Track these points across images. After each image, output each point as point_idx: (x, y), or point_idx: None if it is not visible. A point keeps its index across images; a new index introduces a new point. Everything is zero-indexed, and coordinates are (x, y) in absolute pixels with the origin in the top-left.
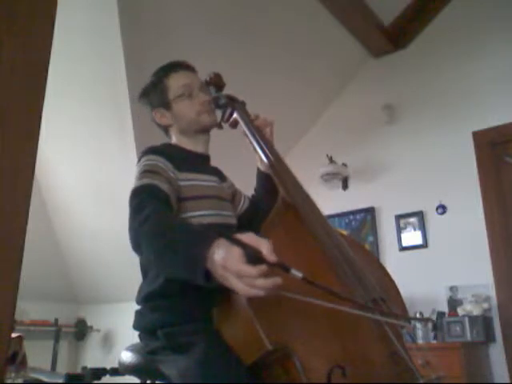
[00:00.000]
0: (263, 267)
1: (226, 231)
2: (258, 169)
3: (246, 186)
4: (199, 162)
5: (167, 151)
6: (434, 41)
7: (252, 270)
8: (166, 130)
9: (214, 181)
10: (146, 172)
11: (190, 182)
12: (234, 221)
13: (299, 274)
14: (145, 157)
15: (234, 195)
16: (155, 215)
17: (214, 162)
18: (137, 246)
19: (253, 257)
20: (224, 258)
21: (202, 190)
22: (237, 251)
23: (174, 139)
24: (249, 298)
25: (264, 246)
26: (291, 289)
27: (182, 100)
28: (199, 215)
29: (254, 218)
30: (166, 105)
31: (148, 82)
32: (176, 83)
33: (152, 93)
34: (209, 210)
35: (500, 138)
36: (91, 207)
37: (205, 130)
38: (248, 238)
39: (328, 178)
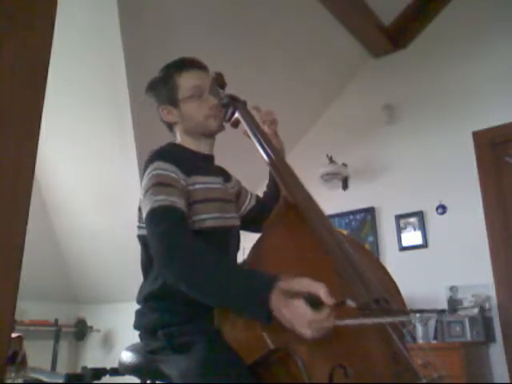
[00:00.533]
0: (328, 311)
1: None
2: None
3: (248, 185)
4: (204, 163)
5: (174, 154)
6: (433, 41)
7: (320, 317)
8: (170, 127)
9: (219, 182)
10: (159, 185)
11: (196, 185)
12: (236, 222)
13: (353, 304)
14: (154, 164)
15: (239, 193)
16: (193, 250)
17: (217, 161)
18: (178, 280)
19: (314, 303)
20: (291, 316)
21: (206, 194)
22: (300, 305)
23: (179, 138)
24: None
25: (321, 290)
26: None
27: (192, 101)
28: (202, 219)
29: (259, 216)
30: (174, 103)
31: (158, 75)
32: (187, 83)
33: (160, 88)
34: (212, 214)
35: (500, 138)
36: (91, 207)
37: (210, 135)
38: (303, 284)
39: (328, 178)
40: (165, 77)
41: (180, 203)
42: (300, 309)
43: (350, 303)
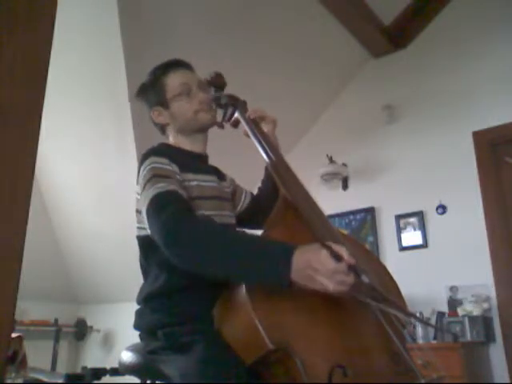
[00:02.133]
0: (351, 263)
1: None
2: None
3: (246, 185)
4: (198, 162)
5: (167, 152)
6: (433, 41)
7: (342, 267)
8: (162, 129)
9: (214, 181)
10: (158, 177)
11: (191, 182)
12: (233, 221)
13: (367, 280)
14: (148, 159)
15: (235, 192)
16: (205, 226)
17: (215, 161)
18: (194, 258)
19: (336, 258)
20: (313, 259)
21: (202, 191)
22: (324, 252)
23: (171, 139)
24: (249, 297)
25: (343, 250)
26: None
27: (181, 99)
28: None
29: (255, 214)
30: (164, 104)
31: (146, 80)
32: (174, 82)
33: (150, 91)
34: (209, 211)
35: (500, 138)
36: (91, 207)
37: (203, 129)
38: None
39: (328, 177)
40: (152, 80)
41: (181, 192)
42: (323, 255)
43: (365, 279)
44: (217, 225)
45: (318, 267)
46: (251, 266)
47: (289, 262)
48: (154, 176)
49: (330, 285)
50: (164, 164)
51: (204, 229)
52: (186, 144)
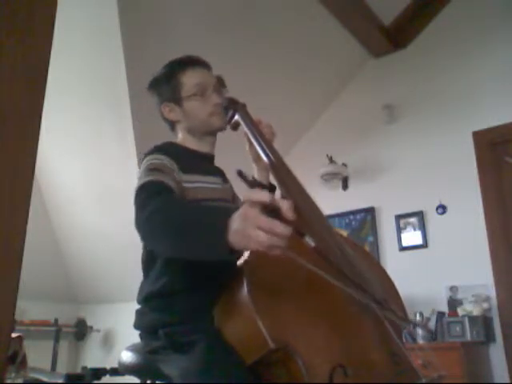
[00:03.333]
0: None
1: None
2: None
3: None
4: (203, 162)
5: (171, 151)
6: (433, 41)
7: (272, 223)
8: (172, 125)
9: (218, 183)
10: (151, 170)
11: (194, 184)
12: None
13: (312, 243)
14: (149, 156)
15: (233, 198)
16: (165, 204)
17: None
18: (149, 239)
19: (271, 212)
20: (242, 215)
21: (206, 193)
22: (252, 209)
23: (180, 136)
24: (251, 297)
25: (283, 204)
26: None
27: (195, 99)
28: None
29: None
30: (177, 101)
31: (160, 72)
32: (191, 81)
33: (163, 85)
34: None
35: (500, 137)
36: (91, 207)
37: (213, 133)
38: (266, 196)
39: (328, 177)
40: (168, 74)
41: (169, 182)
42: (251, 211)
43: (309, 241)
44: (179, 204)
45: (248, 215)
46: (188, 237)
47: (226, 224)
48: (148, 170)
49: (261, 238)
50: (163, 160)
51: (163, 208)
52: (194, 144)
